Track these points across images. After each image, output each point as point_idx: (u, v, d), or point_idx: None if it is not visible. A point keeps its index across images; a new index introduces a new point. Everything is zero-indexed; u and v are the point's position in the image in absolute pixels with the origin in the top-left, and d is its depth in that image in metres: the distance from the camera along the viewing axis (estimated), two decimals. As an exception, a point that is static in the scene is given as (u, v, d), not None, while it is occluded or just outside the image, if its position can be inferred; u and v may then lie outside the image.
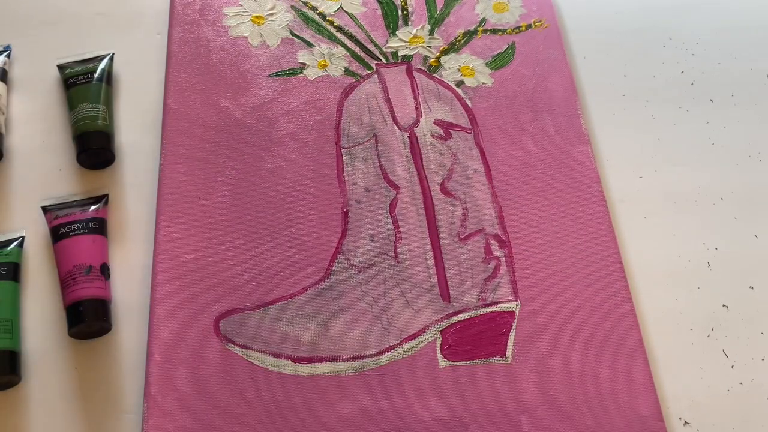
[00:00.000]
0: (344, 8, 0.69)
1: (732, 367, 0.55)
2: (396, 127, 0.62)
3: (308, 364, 0.52)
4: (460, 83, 0.65)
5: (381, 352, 0.53)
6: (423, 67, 0.66)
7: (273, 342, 0.53)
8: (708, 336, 0.56)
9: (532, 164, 0.61)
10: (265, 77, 0.64)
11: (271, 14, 0.68)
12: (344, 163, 0.60)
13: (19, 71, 0.65)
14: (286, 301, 0.54)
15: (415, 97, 0.64)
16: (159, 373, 0.51)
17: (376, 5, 0.69)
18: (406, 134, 0.62)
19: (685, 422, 0.53)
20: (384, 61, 0.66)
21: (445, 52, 0.67)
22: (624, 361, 0.54)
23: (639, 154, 0.64)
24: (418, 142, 0.62)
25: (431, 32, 0.68)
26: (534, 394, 0.52)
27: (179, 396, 0.50)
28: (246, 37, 0.66)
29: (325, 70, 0.65)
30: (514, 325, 0.55)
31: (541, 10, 0.70)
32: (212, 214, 0.57)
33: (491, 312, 0.55)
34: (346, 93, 0.64)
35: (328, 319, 0.54)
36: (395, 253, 0.57)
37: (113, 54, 0.65)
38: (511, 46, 0.68)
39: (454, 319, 0.55)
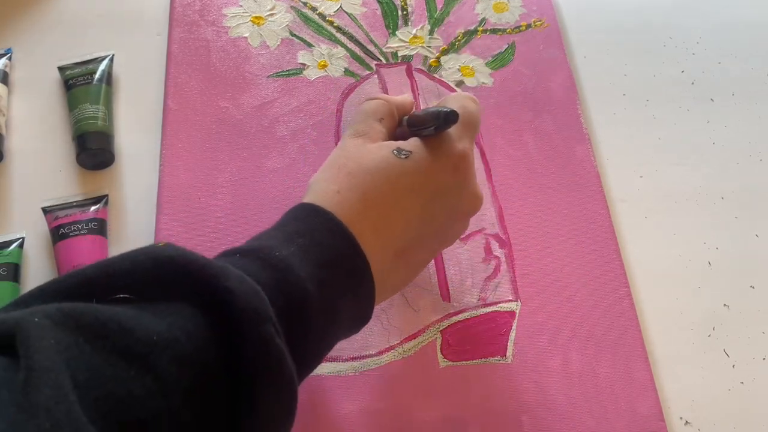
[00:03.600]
0: (344, 8, 0.69)
1: (733, 366, 0.55)
2: (396, 128, 0.62)
3: (308, 365, 0.52)
4: (460, 83, 0.65)
5: (381, 352, 0.53)
6: (423, 68, 0.66)
7: (273, 342, 0.53)
8: (709, 335, 0.56)
9: (532, 164, 0.61)
10: (265, 78, 0.64)
11: (271, 15, 0.68)
12: (344, 164, 0.60)
13: (20, 73, 0.65)
14: (286, 302, 0.54)
15: (415, 98, 0.64)
16: (159, 374, 0.51)
17: (376, 5, 0.69)
18: (406, 134, 0.62)
19: (686, 422, 0.53)
20: (384, 61, 0.66)
21: (445, 52, 0.67)
22: (624, 360, 0.53)
23: (639, 154, 0.64)
24: (418, 142, 0.61)
25: (431, 32, 0.68)
26: (534, 393, 0.52)
27: (179, 396, 0.50)
28: (246, 38, 0.66)
29: (325, 71, 0.65)
30: (514, 325, 0.55)
31: (541, 9, 0.70)
32: (212, 215, 0.58)
33: (491, 312, 0.55)
34: (346, 93, 0.64)
35: (328, 319, 0.54)
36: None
37: (113, 55, 0.65)
38: (511, 46, 0.68)
39: (455, 318, 0.55)
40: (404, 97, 0.51)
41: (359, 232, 0.40)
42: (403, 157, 0.43)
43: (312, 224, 0.40)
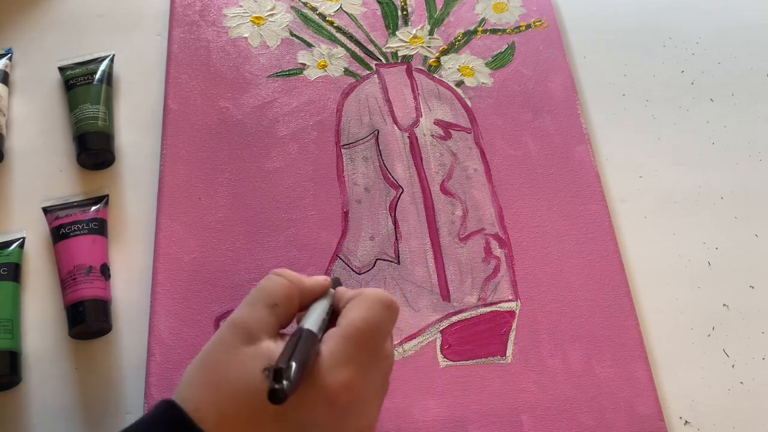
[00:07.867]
0: (344, 9, 0.69)
1: (732, 366, 0.55)
2: (396, 127, 0.62)
3: (308, 364, 0.52)
4: (460, 83, 0.65)
5: (381, 352, 0.53)
6: (423, 68, 0.66)
7: (273, 342, 0.53)
8: (708, 335, 0.56)
9: (532, 164, 0.61)
10: (265, 78, 0.64)
11: (271, 15, 0.68)
12: (344, 164, 0.60)
13: (21, 73, 0.65)
14: (286, 302, 0.54)
15: (415, 97, 0.64)
16: (159, 373, 0.51)
17: (376, 5, 0.69)
18: (406, 134, 0.62)
19: (686, 422, 0.53)
20: (384, 61, 0.66)
21: (444, 52, 0.67)
22: (624, 360, 0.53)
23: (639, 154, 0.64)
24: (418, 142, 0.62)
25: (431, 32, 0.68)
26: (534, 393, 0.52)
27: (179, 396, 0.50)
28: (246, 38, 0.66)
29: (325, 71, 0.65)
30: (514, 325, 0.55)
31: (541, 9, 0.70)
32: (212, 215, 0.58)
33: (491, 312, 0.55)
34: (346, 93, 0.64)
35: (328, 319, 0.54)
36: (395, 253, 0.57)
37: (113, 55, 0.65)
38: (511, 46, 0.68)
39: (455, 318, 0.55)
40: (317, 280, 0.43)
41: None
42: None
43: None
